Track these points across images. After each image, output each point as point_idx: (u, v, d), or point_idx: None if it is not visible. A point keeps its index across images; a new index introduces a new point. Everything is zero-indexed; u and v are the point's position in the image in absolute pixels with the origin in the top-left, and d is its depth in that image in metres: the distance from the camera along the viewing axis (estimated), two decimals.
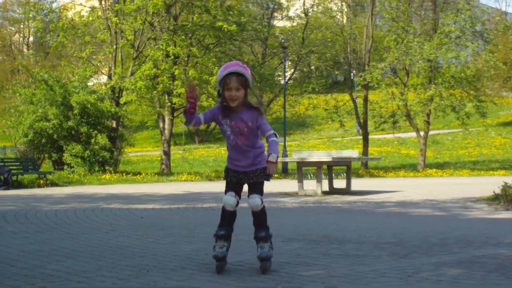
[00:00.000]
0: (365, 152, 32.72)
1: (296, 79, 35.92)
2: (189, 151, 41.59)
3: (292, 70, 35.88)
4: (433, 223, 8.33)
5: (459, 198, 13.10)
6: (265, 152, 5.13)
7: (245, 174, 5.15)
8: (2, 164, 20.84)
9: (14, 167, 21.81)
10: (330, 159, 15.56)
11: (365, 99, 33.42)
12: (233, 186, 5.22)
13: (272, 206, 11.15)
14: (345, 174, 19.18)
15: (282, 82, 33.55)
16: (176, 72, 26.14)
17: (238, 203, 5.11)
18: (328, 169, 16.96)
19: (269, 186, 17.75)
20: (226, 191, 5.19)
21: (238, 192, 5.17)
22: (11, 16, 63.38)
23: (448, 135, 46.84)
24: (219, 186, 17.96)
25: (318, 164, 15.51)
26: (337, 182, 18.07)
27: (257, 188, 5.13)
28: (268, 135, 5.02)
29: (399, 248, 5.79)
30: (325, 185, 16.23)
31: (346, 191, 15.72)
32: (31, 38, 61.76)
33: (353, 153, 20.83)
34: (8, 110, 28.61)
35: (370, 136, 34.82)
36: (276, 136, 5.03)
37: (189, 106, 4.85)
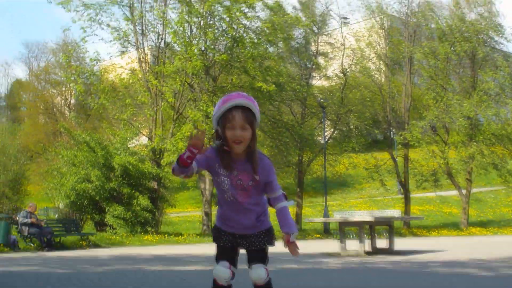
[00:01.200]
0: (406, 211, 32.37)
1: (336, 139, 35.83)
2: None
3: (332, 130, 35.82)
4: (482, 284, 8.14)
5: (505, 257, 12.84)
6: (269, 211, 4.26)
7: (244, 238, 4.20)
8: (44, 225, 20.99)
9: (57, 229, 21.97)
10: (372, 219, 15.39)
11: (406, 158, 33.21)
12: (227, 253, 4.23)
13: (315, 268, 11.02)
14: (387, 234, 18.96)
15: (322, 141, 33.52)
16: None
17: (233, 275, 4.24)
18: (370, 228, 16.78)
19: (311, 247, 17.57)
20: (217, 259, 4.24)
21: (234, 261, 4.23)
22: (53, 79, 64.57)
23: (490, 192, 46.10)
24: None
25: (360, 224, 15.34)
26: (380, 241, 17.84)
27: (260, 256, 4.21)
28: (277, 197, 4.16)
29: None
30: (368, 245, 16.04)
31: (389, 251, 15.52)
32: (72, 101, 62.80)
33: (395, 212, 20.57)
34: (50, 172, 28.98)
35: (411, 195, 34.49)
36: (286, 199, 4.24)
37: (187, 156, 3.82)
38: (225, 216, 4.25)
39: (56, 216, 30.18)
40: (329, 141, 34.56)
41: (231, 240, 4.23)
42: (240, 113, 3.96)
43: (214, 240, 4.26)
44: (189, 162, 3.89)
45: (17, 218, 22.12)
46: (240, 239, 4.21)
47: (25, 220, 20.66)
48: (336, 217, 18.26)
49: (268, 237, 4.25)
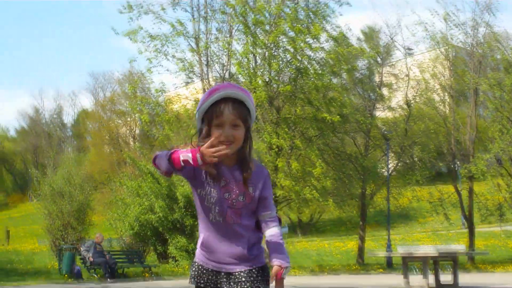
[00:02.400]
0: (471, 245, 31.63)
1: (399, 171, 35.38)
2: (292, 244, 41.26)
3: (395, 162, 35.39)
4: None
5: None
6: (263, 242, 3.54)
7: (231, 279, 3.43)
8: (108, 256, 21.12)
9: (120, 259, 22.13)
10: (436, 253, 15.10)
11: (470, 191, 32.55)
12: None
13: None
14: (451, 269, 18.52)
15: (385, 174, 33.11)
16: (280, 164, 26.17)
17: None
18: (434, 263, 16.43)
19: (373, 281, 17.22)
20: None
21: None
22: (119, 109, 65.73)
23: None
24: (324, 281, 17.61)
25: (425, 259, 15.08)
26: (444, 276, 17.43)
27: None
28: (270, 218, 3.49)
29: None
30: (432, 280, 15.69)
31: (454, 286, 15.19)
32: (137, 131, 63.72)
33: (460, 247, 20.17)
34: (115, 202, 29.26)
35: (476, 229, 33.72)
36: (280, 223, 3.58)
37: (185, 159, 3.16)
38: (207, 245, 3.48)
39: (119, 246, 30.43)
40: (392, 174, 34.12)
41: (214, 280, 3.44)
42: (231, 106, 3.33)
43: (192, 280, 3.50)
44: (181, 166, 3.23)
45: (82, 248, 22.36)
46: (226, 279, 3.42)
47: (89, 251, 20.84)
48: (400, 251, 17.95)
49: (263, 278, 3.47)
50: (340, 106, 27.97)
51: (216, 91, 3.36)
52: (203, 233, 3.50)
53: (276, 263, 3.47)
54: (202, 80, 27.94)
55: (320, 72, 27.66)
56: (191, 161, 3.17)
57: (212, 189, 3.39)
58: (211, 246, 3.46)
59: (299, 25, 26.25)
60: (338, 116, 26.54)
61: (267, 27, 26.63)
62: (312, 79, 27.37)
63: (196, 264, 3.51)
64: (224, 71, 27.91)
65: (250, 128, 3.49)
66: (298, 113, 28.40)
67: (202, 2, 27.76)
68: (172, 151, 3.27)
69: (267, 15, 27.01)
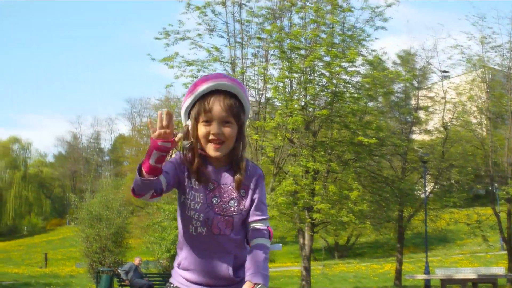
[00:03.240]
0: (510, 268, 31.27)
1: (437, 193, 35.15)
2: (329, 267, 41.15)
3: (433, 184, 35.21)
4: None
5: None
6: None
7: None
8: (145, 278, 21.31)
9: (157, 282, 22.27)
10: (475, 276, 15.01)
11: (509, 213, 32.21)
12: None
13: None
14: None
15: (423, 196, 32.96)
16: (316, 188, 26.23)
17: None
18: (474, 286, 16.33)
19: None
20: None
21: None
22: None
23: None
24: None
25: (464, 282, 15.00)
26: None
27: None
28: (259, 228, 3.06)
29: None
30: None
31: None
32: (173, 155, 64.26)
33: (499, 269, 20.00)
34: (152, 226, 29.49)
35: None
36: (270, 237, 3.11)
37: (156, 158, 2.70)
38: (186, 263, 3.10)
39: (156, 269, 30.61)
40: (430, 196, 33.93)
41: None
42: (222, 100, 2.97)
43: None
44: (159, 168, 2.75)
45: (120, 271, 22.59)
46: None
47: (129, 274, 21.04)
48: (438, 274, 17.88)
49: None
50: (377, 129, 28.00)
51: (204, 82, 2.99)
52: (181, 250, 3.11)
53: (253, 279, 2.94)
54: None
55: (356, 95, 27.76)
56: (159, 153, 2.70)
57: (196, 194, 3.01)
58: (189, 265, 3.07)
59: (335, 50, 26.41)
60: (374, 139, 26.56)
61: (303, 52, 26.82)
62: (348, 103, 27.51)
63: (172, 286, 3.13)
64: (260, 96, 28.10)
65: (244, 125, 3.09)
66: (335, 136, 28.48)
67: (238, 28, 28.01)
68: (139, 165, 2.79)
69: (302, 40, 27.22)
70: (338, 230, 32.75)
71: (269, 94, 28.10)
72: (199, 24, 27.76)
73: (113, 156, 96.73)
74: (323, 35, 27.10)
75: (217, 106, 2.95)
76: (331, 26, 27.44)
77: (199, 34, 27.44)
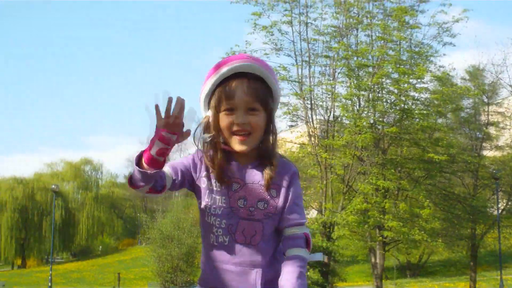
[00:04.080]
0: None
1: (510, 210, 34.50)
2: (401, 286, 40.66)
3: (506, 201, 34.55)
4: None
5: None
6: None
7: None
8: None
9: None
10: None
11: None
12: None
13: None
14: None
15: (496, 213, 32.39)
16: (387, 206, 26.06)
17: None
18: None
19: None
20: None
21: None
22: None
23: None
24: None
25: None
26: None
27: None
28: (294, 235, 2.59)
29: None
30: None
31: None
32: None
33: None
34: None
35: None
36: (309, 246, 2.60)
37: (158, 149, 2.34)
38: (209, 279, 2.68)
39: None
40: (503, 213, 33.31)
41: None
42: (246, 85, 2.55)
43: None
44: (161, 161, 2.39)
45: None
46: None
47: None
48: None
49: None
50: (447, 146, 27.71)
51: (225, 64, 2.58)
52: (203, 264, 2.71)
53: None
54: (306, 123, 28.23)
55: (425, 112, 27.54)
56: (162, 144, 2.34)
57: (217, 197, 2.59)
58: (211, 281, 2.67)
59: (403, 67, 26.28)
60: (445, 156, 26.28)
61: (370, 69, 26.79)
62: (417, 120, 27.32)
63: None
64: (329, 114, 28.15)
65: (273, 113, 2.67)
66: (404, 154, 28.28)
67: (304, 47, 28.20)
68: (139, 154, 2.43)
69: (370, 57, 27.20)
70: (409, 248, 32.38)
71: (337, 112, 28.15)
72: (266, 43, 28.07)
73: None
74: (391, 52, 27.03)
75: (240, 90, 2.53)
76: (398, 43, 27.36)
77: (266, 54, 27.71)
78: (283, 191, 2.61)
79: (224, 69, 2.56)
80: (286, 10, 28.00)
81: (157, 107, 2.32)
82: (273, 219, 2.59)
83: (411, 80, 26.60)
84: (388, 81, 27.12)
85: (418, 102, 28.03)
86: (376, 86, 26.94)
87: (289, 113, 28.00)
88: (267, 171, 2.58)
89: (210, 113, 2.62)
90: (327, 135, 27.88)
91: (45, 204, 71.53)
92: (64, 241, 74.12)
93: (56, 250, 72.40)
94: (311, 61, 28.26)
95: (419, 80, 26.90)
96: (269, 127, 2.62)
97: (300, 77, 28.14)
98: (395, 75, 26.69)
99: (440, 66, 28.26)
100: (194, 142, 2.66)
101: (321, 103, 28.42)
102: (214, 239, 2.60)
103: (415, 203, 28.57)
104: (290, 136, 29.89)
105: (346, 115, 27.19)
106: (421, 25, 27.59)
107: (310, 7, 28.29)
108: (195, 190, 2.67)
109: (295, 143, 29.91)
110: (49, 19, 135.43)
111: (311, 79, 28.31)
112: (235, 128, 2.53)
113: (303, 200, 2.77)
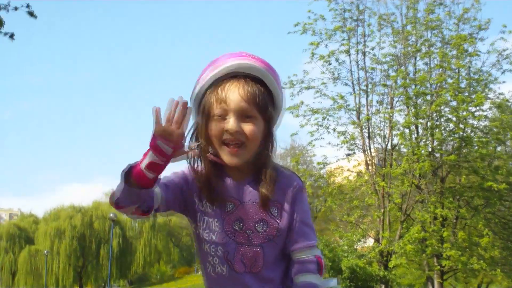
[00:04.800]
0: None
1: None
2: None
3: None
4: None
5: None
6: None
7: None
8: None
9: None
10: None
11: None
12: None
13: None
14: None
15: None
16: (445, 235, 25.77)
17: None
18: None
19: None
20: None
21: None
22: None
23: None
24: None
25: None
26: None
27: None
28: (302, 259, 2.31)
29: None
30: None
31: None
32: None
33: None
34: None
35: None
36: (321, 271, 2.30)
37: (150, 162, 2.04)
38: None
39: None
40: None
41: None
42: (242, 86, 2.24)
43: None
44: (152, 178, 2.07)
45: None
46: None
47: None
48: None
49: None
50: (506, 174, 27.32)
51: (220, 62, 2.28)
52: None
53: None
54: (364, 152, 28.20)
55: (484, 140, 27.22)
56: (157, 155, 2.03)
57: (210, 220, 2.30)
58: None
59: (461, 94, 26.12)
60: (504, 185, 25.91)
61: (428, 97, 26.68)
62: (476, 148, 27.02)
63: None
64: (386, 142, 28.08)
65: (272, 122, 2.36)
66: (463, 182, 27.96)
67: (362, 75, 28.25)
68: (127, 168, 2.09)
69: (428, 85, 27.10)
70: (468, 277, 31.76)
71: (395, 141, 28.06)
72: (323, 72, 28.19)
73: None
74: (449, 80, 26.89)
75: (234, 93, 2.21)
76: (456, 70, 27.21)
77: (323, 83, 27.85)
78: (286, 209, 2.31)
79: (218, 70, 2.26)
80: (343, 39, 28.16)
81: (157, 110, 2.03)
82: (276, 243, 2.29)
83: (470, 108, 26.35)
84: (446, 109, 26.94)
85: (477, 129, 27.75)
86: (434, 114, 26.80)
87: (347, 142, 27.99)
88: (263, 187, 2.27)
89: (199, 119, 2.31)
90: (385, 163, 27.77)
91: (103, 233, 72.51)
92: (121, 269, 74.81)
93: (113, 278, 72.99)
94: (368, 89, 28.30)
95: (478, 107, 26.64)
96: (268, 138, 2.33)
97: (357, 106, 28.16)
98: (454, 103, 26.52)
99: (499, 93, 28.04)
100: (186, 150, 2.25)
101: (378, 132, 28.39)
102: (211, 269, 2.32)
103: (474, 231, 28.17)
104: (348, 164, 29.85)
105: (404, 143, 27.07)
106: (480, 53, 27.40)
107: (368, 36, 28.41)
108: (188, 212, 2.37)
109: (352, 171, 29.84)
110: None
111: (369, 107, 28.31)
112: (226, 136, 2.22)
113: (311, 219, 2.44)
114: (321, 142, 30.01)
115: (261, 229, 2.29)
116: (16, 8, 13.52)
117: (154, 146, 2.04)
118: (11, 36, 13.62)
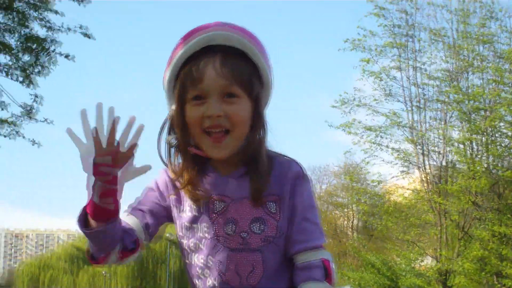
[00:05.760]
0: None
1: None
2: None
3: None
4: None
5: None
6: None
7: None
8: None
9: None
10: None
11: None
12: None
13: None
14: None
15: None
16: (504, 252, 25.23)
17: None
18: None
19: None
20: None
21: None
22: (336, 201, 66.35)
23: None
24: None
25: None
26: None
27: None
28: (305, 263, 1.90)
29: None
30: None
31: None
32: (355, 222, 63.88)
33: None
34: None
35: None
36: (328, 276, 1.92)
37: (100, 191, 1.73)
38: None
39: None
40: None
41: None
42: (219, 61, 1.86)
43: None
44: (113, 209, 1.76)
45: None
46: None
47: None
48: None
49: None
50: None
51: (195, 34, 1.89)
52: None
53: None
54: (418, 168, 27.87)
55: None
56: (103, 183, 1.72)
57: (197, 226, 1.93)
58: None
59: None
60: None
61: (483, 112, 26.27)
62: None
63: None
64: (441, 159, 27.70)
65: (262, 101, 1.98)
66: None
67: (414, 92, 27.99)
68: (80, 213, 1.80)
69: (482, 100, 26.68)
70: None
71: (450, 157, 27.67)
72: (375, 89, 28.01)
73: None
74: (504, 94, 26.42)
75: (210, 70, 1.85)
76: (510, 85, 26.75)
77: (375, 100, 27.65)
78: (286, 203, 1.92)
79: (192, 42, 1.87)
80: (394, 55, 27.95)
81: (96, 131, 1.69)
82: (276, 245, 1.90)
83: None
84: (501, 124, 26.47)
85: None
86: (489, 129, 26.35)
87: (401, 159, 27.71)
88: (254, 180, 1.89)
89: (174, 106, 1.94)
90: (441, 180, 27.39)
91: (160, 253, 72.97)
92: None
93: None
94: (421, 106, 27.99)
95: None
96: (257, 120, 1.94)
97: (411, 123, 27.88)
98: (509, 118, 26.05)
99: None
100: (159, 154, 2.00)
101: (433, 148, 28.03)
102: (201, 284, 1.93)
103: None
104: (403, 182, 29.56)
105: (459, 159, 26.66)
106: None
107: (419, 51, 28.16)
108: (175, 217, 2.01)
109: (408, 189, 29.52)
110: None
111: (423, 124, 28.01)
112: (206, 123, 1.85)
113: (318, 216, 2.04)
114: (375, 159, 29.72)
115: (258, 229, 1.88)
116: (69, 29, 13.60)
117: (99, 173, 1.70)
118: (66, 56, 13.69)
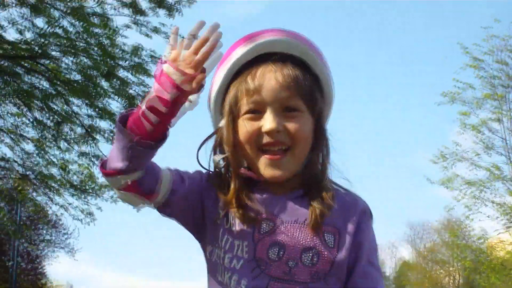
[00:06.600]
0: None
1: None
2: None
3: None
4: None
5: None
6: None
7: None
8: None
9: None
10: None
11: None
12: None
13: None
14: None
15: None
16: None
17: None
18: None
19: None
20: None
21: None
22: (439, 258, 65.14)
23: None
24: None
25: None
26: None
27: None
28: None
29: None
30: None
31: None
32: (460, 280, 62.45)
33: None
34: None
35: None
36: None
37: (151, 104, 1.50)
38: None
39: None
40: None
41: None
42: (279, 70, 1.64)
43: None
44: (155, 126, 1.52)
45: None
46: None
47: None
48: None
49: None
50: None
51: (249, 39, 1.68)
52: None
53: None
54: None
55: None
56: (172, 91, 1.49)
57: (236, 242, 1.64)
58: None
59: None
60: None
61: None
62: None
63: None
64: None
65: (324, 117, 1.77)
66: None
67: None
68: (122, 114, 1.56)
69: None
70: None
71: None
72: (476, 143, 27.43)
73: (397, 283, 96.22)
74: None
75: (270, 79, 1.63)
76: None
77: (477, 154, 27.05)
78: (347, 239, 1.64)
79: (248, 48, 1.66)
80: (494, 107, 27.39)
81: (176, 29, 1.60)
82: (327, 284, 1.60)
83: None
84: None
85: None
86: None
87: (506, 214, 26.89)
88: (316, 205, 1.63)
89: (223, 121, 1.70)
90: None
91: None
92: None
93: None
94: None
95: None
96: (320, 138, 1.71)
97: None
98: None
99: None
100: (199, 163, 1.75)
101: None
102: None
103: None
104: (509, 237, 28.66)
105: None
106: None
107: None
108: (205, 226, 1.70)
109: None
110: None
111: None
112: (263, 140, 1.62)
113: (378, 258, 1.79)
114: (478, 215, 29.03)
115: (309, 261, 1.59)
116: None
117: (162, 75, 1.51)
118: None
